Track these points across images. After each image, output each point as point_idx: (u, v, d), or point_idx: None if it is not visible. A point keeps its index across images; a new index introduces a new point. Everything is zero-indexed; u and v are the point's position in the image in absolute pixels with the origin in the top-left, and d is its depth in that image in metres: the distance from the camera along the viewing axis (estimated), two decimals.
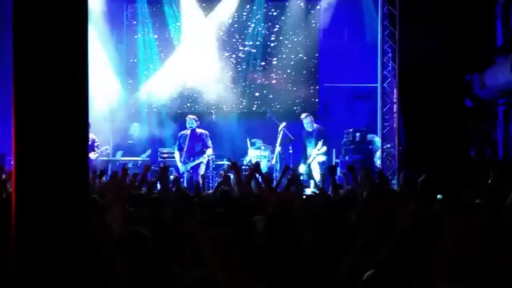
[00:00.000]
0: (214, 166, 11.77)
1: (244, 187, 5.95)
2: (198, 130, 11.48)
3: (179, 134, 11.63)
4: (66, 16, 2.29)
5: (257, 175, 6.37)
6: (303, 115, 11.78)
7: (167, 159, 11.68)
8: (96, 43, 12.63)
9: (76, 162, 2.32)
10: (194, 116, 11.63)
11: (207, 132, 11.57)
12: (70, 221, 2.28)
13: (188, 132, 11.40)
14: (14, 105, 2.30)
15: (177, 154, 11.50)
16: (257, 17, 13.51)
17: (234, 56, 13.61)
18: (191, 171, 11.31)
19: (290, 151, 11.92)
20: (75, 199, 2.30)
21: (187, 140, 11.30)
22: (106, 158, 11.70)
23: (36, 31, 2.28)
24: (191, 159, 11.29)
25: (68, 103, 2.30)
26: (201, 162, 11.30)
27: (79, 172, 2.33)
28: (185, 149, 11.28)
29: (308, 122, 11.67)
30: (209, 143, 11.45)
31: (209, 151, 11.41)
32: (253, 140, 12.23)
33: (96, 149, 11.11)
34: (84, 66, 2.37)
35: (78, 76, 2.33)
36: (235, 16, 13.52)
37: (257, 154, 11.93)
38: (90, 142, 11.30)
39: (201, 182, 7.07)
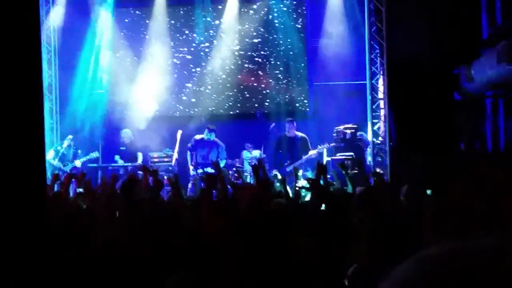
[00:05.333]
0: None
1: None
2: (216, 140, 11.45)
3: (195, 138, 11.55)
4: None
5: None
6: (288, 119, 11.53)
7: (157, 164, 11.60)
8: None
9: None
10: (213, 127, 11.51)
11: (223, 145, 11.48)
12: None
13: (204, 137, 11.39)
14: None
15: (188, 155, 11.49)
16: (243, 18, 13.47)
17: (221, 58, 13.55)
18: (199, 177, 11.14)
19: (280, 151, 11.90)
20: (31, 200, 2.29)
21: (205, 147, 11.33)
22: (95, 165, 11.67)
23: None
24: (204, 169, 11.10)
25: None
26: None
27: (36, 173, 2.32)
28: (202, 154, 11.27)
29: (291, 128, 11.26)
30: (224, 155, 11.41)
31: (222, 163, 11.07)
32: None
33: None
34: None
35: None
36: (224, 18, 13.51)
37: (248, 156, 12.01)
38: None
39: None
